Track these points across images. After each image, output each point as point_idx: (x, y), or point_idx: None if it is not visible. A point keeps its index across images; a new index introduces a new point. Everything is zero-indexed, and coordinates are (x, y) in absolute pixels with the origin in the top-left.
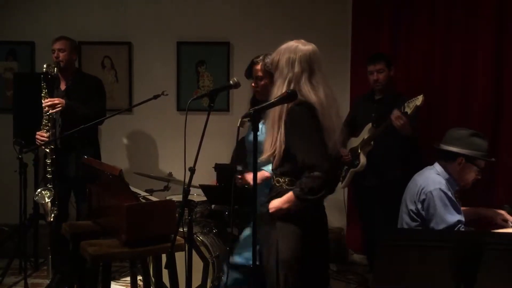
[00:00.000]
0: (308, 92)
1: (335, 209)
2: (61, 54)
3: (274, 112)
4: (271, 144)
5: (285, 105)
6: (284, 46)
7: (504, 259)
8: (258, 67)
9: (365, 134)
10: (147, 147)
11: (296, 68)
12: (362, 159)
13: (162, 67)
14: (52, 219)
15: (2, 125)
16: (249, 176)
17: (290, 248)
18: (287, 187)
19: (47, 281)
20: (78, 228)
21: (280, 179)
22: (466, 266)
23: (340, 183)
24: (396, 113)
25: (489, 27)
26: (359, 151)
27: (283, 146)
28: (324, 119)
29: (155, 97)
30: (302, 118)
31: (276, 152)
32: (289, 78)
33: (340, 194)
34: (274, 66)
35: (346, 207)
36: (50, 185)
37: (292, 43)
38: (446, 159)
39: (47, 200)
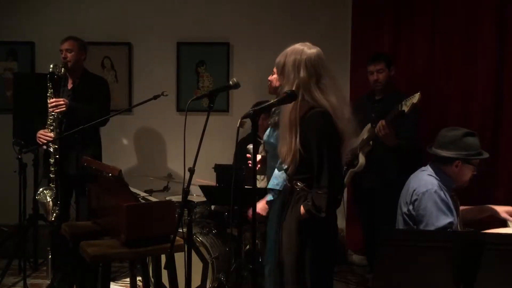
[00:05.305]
0: (319, 97)
1: None
2: (68, 55)
3: (288, 118)
4: (289, 151)
5: (298, 110)
6: (290, 48)
7: (504, 259)
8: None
9: (364, 134)
10: (146, 148)
11: (302, 73)
12: (361, 159)
13: (162, 68)
14: (53, 219)
15: (2, 125)
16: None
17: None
18: (307, 189)
19: (47, 281)
20: (78, 228)
21: (298, 183)
22: (466, 266)
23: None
24: (380, 123)
25: (490, 27)
26: (358, 151)
27: (299, 153)
28: (338, 123)
29: (155, 97)
30: (319, 126)
31: (293, 159)
32: (296, 83)
33: None
34: (280, 68)
35: (346, 207)
36: (52, 184)
37: (298, 46)
38: (442, 162)
39: (48, 199)
